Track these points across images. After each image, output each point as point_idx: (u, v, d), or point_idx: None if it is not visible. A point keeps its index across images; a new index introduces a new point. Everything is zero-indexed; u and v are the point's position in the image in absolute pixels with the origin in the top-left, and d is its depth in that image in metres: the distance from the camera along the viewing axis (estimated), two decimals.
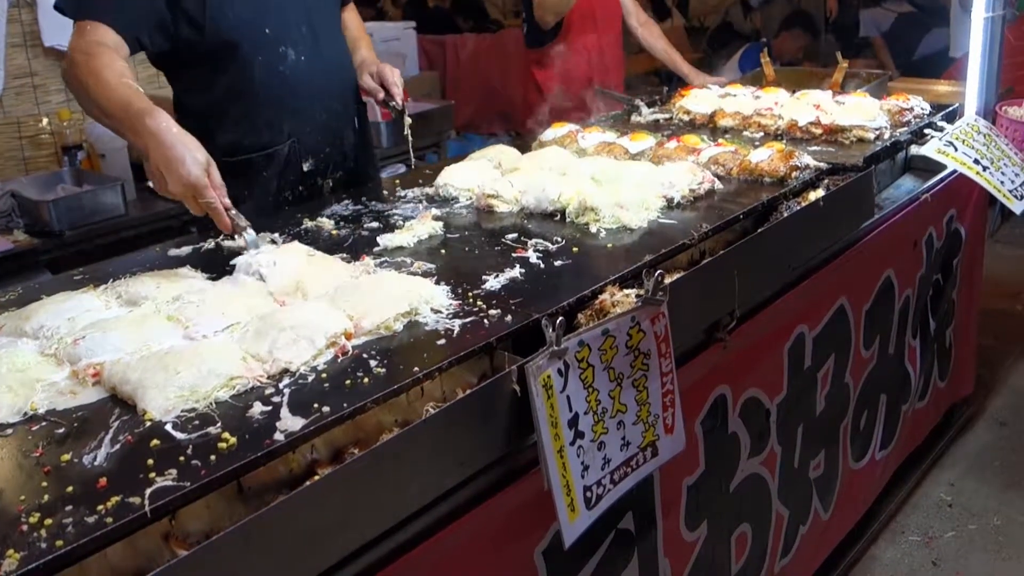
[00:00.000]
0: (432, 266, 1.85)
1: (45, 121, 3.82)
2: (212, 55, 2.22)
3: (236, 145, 2.31)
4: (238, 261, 1.79)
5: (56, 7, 2.09)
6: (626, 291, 1.68)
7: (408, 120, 2.49)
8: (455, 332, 1.53)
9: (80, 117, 3.83)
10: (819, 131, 2.68)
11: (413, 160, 2.64)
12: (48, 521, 1.08)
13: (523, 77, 4.04)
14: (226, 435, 1.23)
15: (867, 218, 2.42)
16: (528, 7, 3.81)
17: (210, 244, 2.06)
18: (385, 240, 2.00)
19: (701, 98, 3.04)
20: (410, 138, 2.51)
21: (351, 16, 2.73)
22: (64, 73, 2.03)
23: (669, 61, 4.01)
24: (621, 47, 4.09)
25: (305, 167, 2.41)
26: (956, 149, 2.70)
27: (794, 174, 2.28)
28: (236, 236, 1.89)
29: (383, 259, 1.90)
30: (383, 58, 2.64)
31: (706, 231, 1.97)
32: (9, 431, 1.31)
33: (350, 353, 1.48)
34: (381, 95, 2.51)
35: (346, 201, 2.34)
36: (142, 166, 3.77)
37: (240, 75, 2.25)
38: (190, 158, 1.76)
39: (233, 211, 1.84)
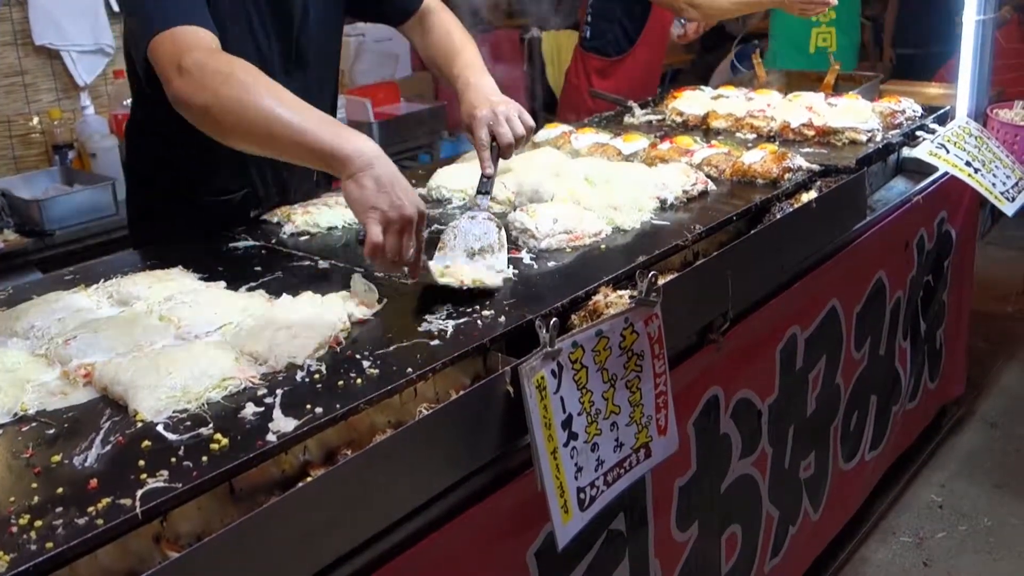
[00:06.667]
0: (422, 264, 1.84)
1: (35, 120, 3.80)
2: None
3: (194, 184, 2.16)
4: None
5: (126, 48, 1.74)
6: (620, 292, 1.68)
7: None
8: (448, 333, 1.53)
9: (71, 116, 3.81)
10: (811, 133, 2.69)
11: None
12: (38, 523, 1.07)
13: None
14: (218, 436, 1.23)
15: (859, 220, 2.42)
16: (602, 14, 3.79)
17: (202, 244, 2.06)
18: None
19: (694, 100, 3.04)
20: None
21: (439, 18, 2.22)
22: (191, 96, 1.61)
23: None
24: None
25: (252, 214, 2.19)
26: (948, 151, 2.71)
27: (787, 176, 2.28)
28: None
29: None
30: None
31: (699, 232, 1.97)
32: None
33: (343, 344, 1.49)
34: (489, 170, 1.95)
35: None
36: (132, 167, 3.75)
37: None
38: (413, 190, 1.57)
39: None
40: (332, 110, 2.31)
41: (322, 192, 2.35)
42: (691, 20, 3.76)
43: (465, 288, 1.66)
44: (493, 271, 1.75)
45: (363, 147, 1.54)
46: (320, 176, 2.42)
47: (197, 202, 2.19)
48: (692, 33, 4.07)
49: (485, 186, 1.96)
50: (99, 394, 1.38)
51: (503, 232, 1.86)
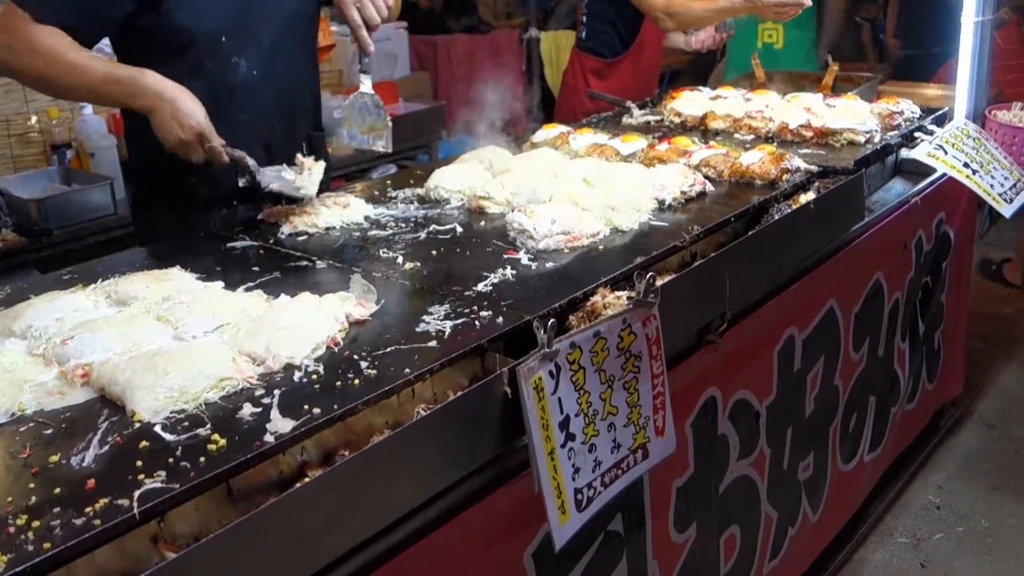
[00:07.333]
0: (419, 265, 1.85)
1: (34, 119, 3.80)
2: (163, 52, 2.09)
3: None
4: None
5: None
6: (617, 293, 1.69)
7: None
8: (446, 333, 1.53)
9: (70, 115, 3.81)
10: (810, 134, 2.69)
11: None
12: (36, 523, 1.07)
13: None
14: (216, 437, 1.23)
15: (857, 221, 2.42)
16: (596, 15, 3.79)
17: (200, 244, 2.06)
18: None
19: (692, 100, 3.05)
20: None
21: None
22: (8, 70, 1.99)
23: None
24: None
25: (240, 183, 2.19)
26: (946, 152, 2.71)
27: (785, 177, 2.28)
28: (240, 170, 2.07)
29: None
30: (374, 59, 2.47)
31: (697, 233, 1.97)
32: None
33: (341, 345, 1.50)
34: (371, 48, 2.15)
35: None
36: (129, 164, 3.74)
37: (186, 78, 2.05)
38: (196, 108, 1.95)
39: (228, 148, 2.02)
40: (314, 83, 2.44)
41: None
42: (667, 30, 3.75)
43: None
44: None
45: (155, 89, 1.93)
46: (309, 144, 2.41)
47: (184, 175, 2.19)
48: (696, 44, 4.08)
49: (367, 65, 2.18)
50: (97, 394, 1.38)
51: (386, 114, 2.11)
